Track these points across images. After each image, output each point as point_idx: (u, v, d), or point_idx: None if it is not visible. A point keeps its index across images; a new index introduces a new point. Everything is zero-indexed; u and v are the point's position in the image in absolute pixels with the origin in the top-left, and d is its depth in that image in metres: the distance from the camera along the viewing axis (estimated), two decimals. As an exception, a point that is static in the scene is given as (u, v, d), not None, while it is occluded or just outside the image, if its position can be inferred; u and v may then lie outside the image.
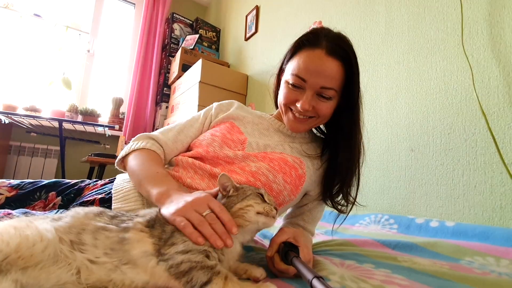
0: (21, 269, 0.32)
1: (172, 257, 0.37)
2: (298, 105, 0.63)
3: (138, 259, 0.37)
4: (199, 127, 0.76)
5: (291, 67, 0.64)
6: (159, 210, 0.47)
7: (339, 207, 0.69)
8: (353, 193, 0.68)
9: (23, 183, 0.68)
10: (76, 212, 0.42)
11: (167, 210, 0.44)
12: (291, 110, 0.66)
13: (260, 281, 0.45)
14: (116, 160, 0.67)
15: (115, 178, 0.69)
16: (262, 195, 0.50)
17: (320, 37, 0.62)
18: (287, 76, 0.65)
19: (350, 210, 0.70)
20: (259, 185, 0.59)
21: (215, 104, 0.80)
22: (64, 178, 2.03)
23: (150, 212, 0.46)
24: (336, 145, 0.69)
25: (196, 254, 0.38)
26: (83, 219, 0.40)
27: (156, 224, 0.43)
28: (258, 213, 0.46)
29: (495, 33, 0.84)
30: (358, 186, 0.69)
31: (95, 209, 0.44)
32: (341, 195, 0.68)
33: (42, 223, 0.37)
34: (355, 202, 0.69)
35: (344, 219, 0.71)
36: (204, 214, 0.43)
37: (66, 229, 0.38)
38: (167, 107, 2.56)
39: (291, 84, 0.64)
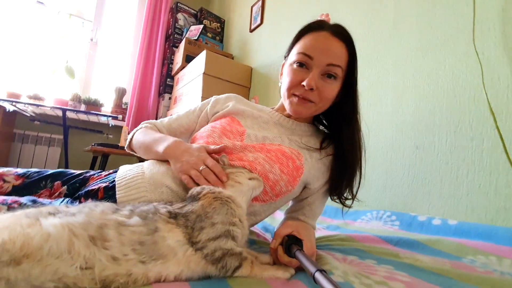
0: (15, 263, 0.32)
1: (205, 245, 0.42)
2: (304, 83, 0.63)
3: (175, 248, 0.40)
4: (194, 118, 0.79)
5: (296, 48, 0.67)
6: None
7: (344, 201, 0.70)
8: (356, 186, 0.70)
9: (30, 172, 0.68)
10: (91, 208, 0.41)
11: (174, 167, 0.59)
12: (294, 95, 0.67)
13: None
14: (125, 146, 0.79)
15: (118, 169, 0.70)
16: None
17: (324, 23, 0.67)
18: (292, 58, 0.67)
19: (352, 203, 0.72)
20: (256, 174, 0.60)
21: (213, 98, 0.81)
22: (67, 167, 2.05)
23: (154, 205, 0.46)
24: (339, 138, 0.69)
25: (224, 240, 0.43)
26: (101, 215, 0.40)
27: (178, 216, 0.44)
28: (250, 178, 0.55)
29: (508, 30, 0.82)
30: (361, 178, 0.70)
31: (109, 205, 0.44)
32: (347, 189, 0.69)
33: (49, 219, 0.37)
34: (356, 196, 0.71)
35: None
36: (200, 169, 0.55)
37: (83, 224, 0.38)
38: (170, 98, 2.55)
39: (297, 64, 0.65)
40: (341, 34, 0.65)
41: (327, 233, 0.85)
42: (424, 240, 0.70)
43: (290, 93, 0.67)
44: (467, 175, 0.86)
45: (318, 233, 0.85)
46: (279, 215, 0.97)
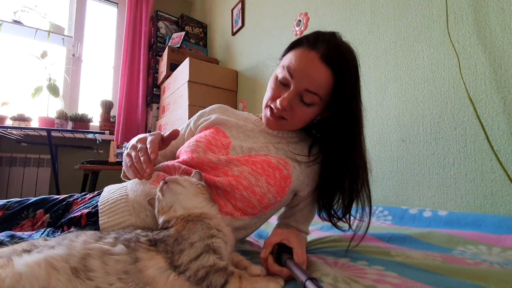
0: None
1: (188, 267, 0.40)
2: (278, 101, 0.63)
3: (156, 276, 0.39)
4: (182, 135, 0.79)
5: (287, 58, 0.64)
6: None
7: (335, 220, 0.67)
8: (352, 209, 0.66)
9: (10, 203, 0.66)
10: (71, 240, 0.40)
11: None
12: (270, 107, 0.66)
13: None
14: (121, 175, 0.76)
15: (103, 190, 0.68)
16: None
17: (319, 40, 0.61)
18: (278, 69, 0.65)
19: (349, 227, 0.68)
20: (241, 189, 0.60)
21: (198, 112, 0.82)
22: (58, 188, 1.99)
23: (136, 233, 0.45)
24: (329, 145, 0.67)
25: (206, 257, 0.41)
26: (83, 245, 0.39)
27: (158, 242, 0.43)
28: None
29: (480, 18, 0.83)
30: (369, 203, 0.66)
31: (92, 233, 0.43)
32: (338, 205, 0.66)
33: (23, 258, 0.36)
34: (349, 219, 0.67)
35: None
36: (138, 148, 0.59)
37: (65, 256, 0.37)
38: (158, 108, 2.52)
39: (279, 79, 0.64)
40: (331, 59, 0.59)
41: (321, 235, 0.85)
42: (416, 234, 0.70)
43: (267, 104, 0.68)
44: (453, 164, 0.86)
45: (312, 235, 0.85)
46: (274, 219, 0.97)
